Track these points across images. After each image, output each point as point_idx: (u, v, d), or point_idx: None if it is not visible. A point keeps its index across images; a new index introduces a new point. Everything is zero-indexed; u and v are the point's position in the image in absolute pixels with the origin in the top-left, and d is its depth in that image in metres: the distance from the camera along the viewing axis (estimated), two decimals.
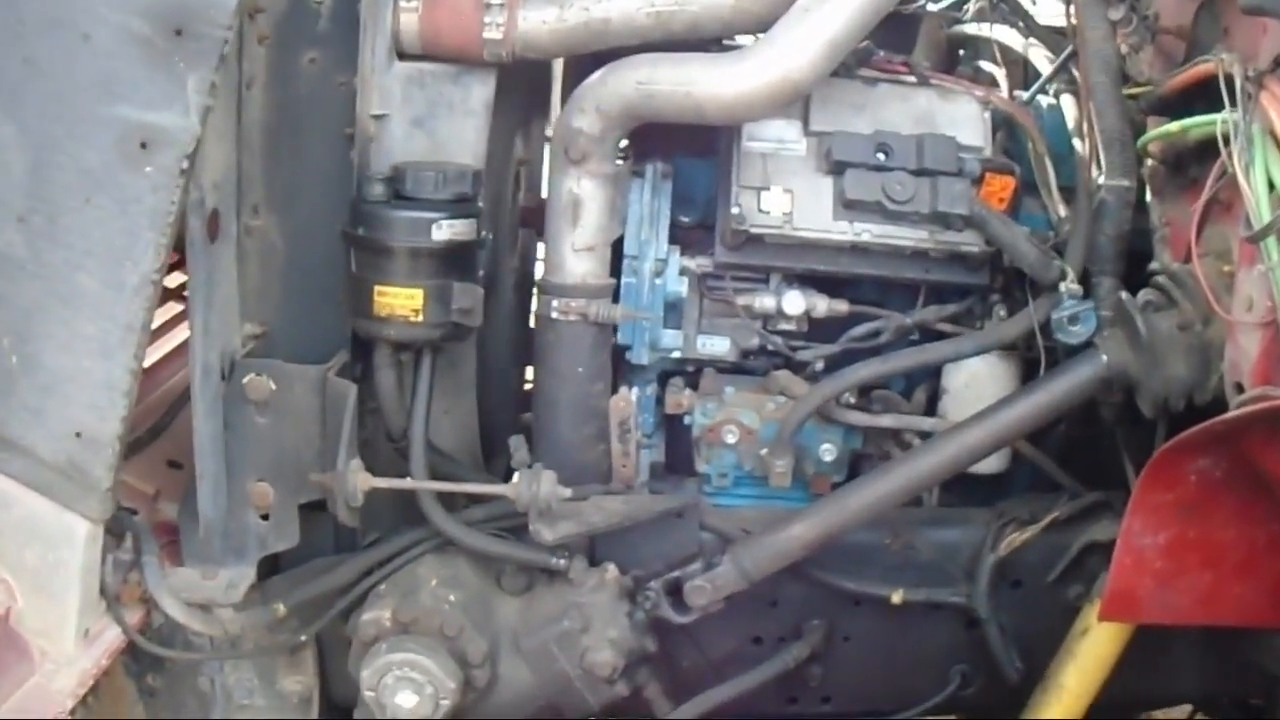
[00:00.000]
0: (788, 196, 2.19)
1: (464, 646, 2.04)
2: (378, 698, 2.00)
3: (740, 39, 2.21)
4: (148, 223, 1.78)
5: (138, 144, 1.76)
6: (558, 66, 2.51)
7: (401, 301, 1.99)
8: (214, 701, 2.20)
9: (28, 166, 1.78)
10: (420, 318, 2.00)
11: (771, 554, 2.08)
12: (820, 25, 1.99)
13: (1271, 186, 1.71)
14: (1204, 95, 1.90)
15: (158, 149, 1.76)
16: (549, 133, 2.55)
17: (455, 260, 2.02)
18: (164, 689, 2.17)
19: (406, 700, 1.99)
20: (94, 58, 1.75)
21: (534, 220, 2.45)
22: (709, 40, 2.15)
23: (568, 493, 2.05)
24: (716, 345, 2.30)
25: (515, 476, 2.07)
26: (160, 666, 2.16)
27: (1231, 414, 1.75)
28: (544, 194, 2.48)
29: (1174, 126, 1.92)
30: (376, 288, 1.99)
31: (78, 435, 1.84)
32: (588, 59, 2.16)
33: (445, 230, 1.99)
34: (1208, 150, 1.89)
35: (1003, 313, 2.23)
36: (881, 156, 2.16)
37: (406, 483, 2.06)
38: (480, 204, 2.06)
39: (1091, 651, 2.08)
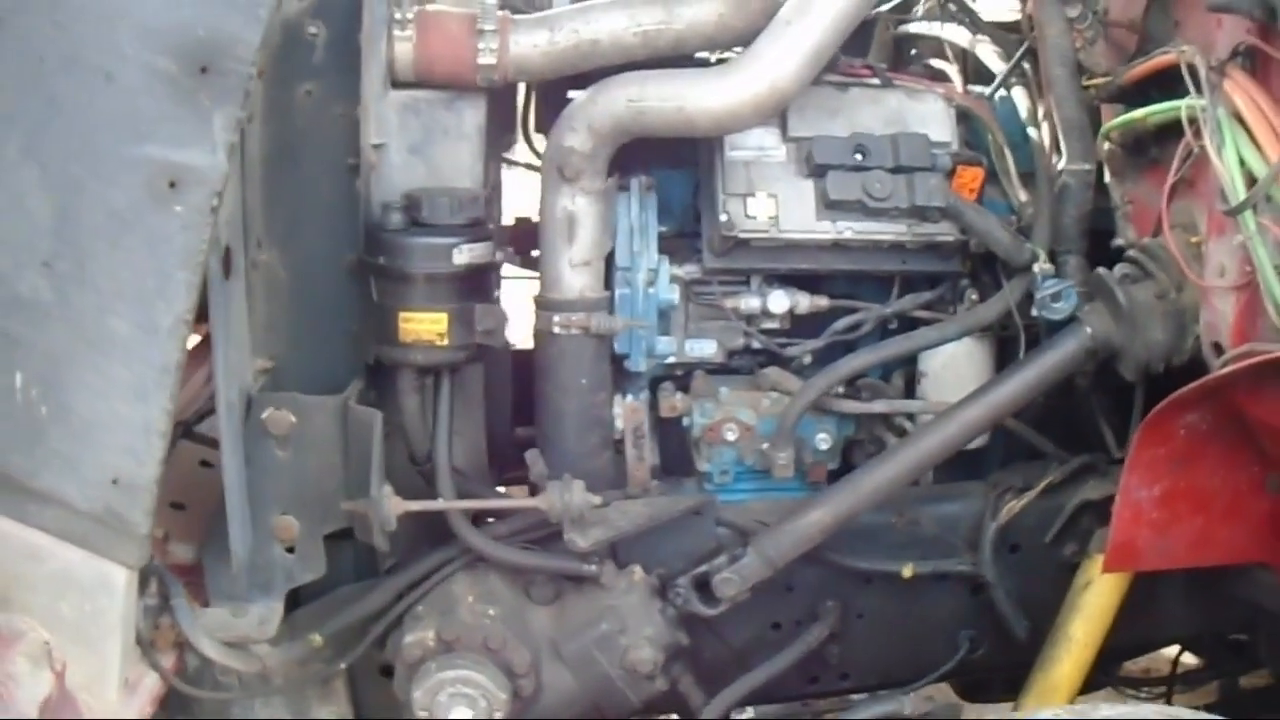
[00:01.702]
0: (772, 201, 2.28)
1: (509, 658, 2.08)
2: (432, 716, 2.02)
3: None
4: (179, 262, 1.77)
5: (166, 183, 1.75)
6: (521, 88, 2.56)
7: (426, 326, 2.03)
8: None
9: (53, 210, 1.75)
10: (446, 341, 2.04)
11: (793, 541, 2.17)
12: (802, 36, 2.11)
13: (1241, 163, 1.87)
14: (1159, 83, 2.08)
15: (187, 188, 1.75)
16: (506, 155, 2.61)
17: (475, 282, 2.06)
18: None
19: (462, 715, 2.01)
20: (118, 97, 1.73)
21: (512, 242, 2.49)
22: (688, 56, 2.24)
23: (597, 500, 2.11)
24: (704, 348, 2.37)
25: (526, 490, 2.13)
26: (190, 708, 2.12)
27: (1224, 370, 1.92)
28: (505, 218, 2.53)
29: (1139, 113, 2.08)
30: (401, 314, 2.03)
31: (114, 482, 1.82)
32: (564, 81, 2.23)
33: (465, 254, 2.04)
34: (1168, 133, 2.06)
35: (974, 296, 2.37)
36: (859, 157, 2.27)
37: (439, 504, 2.09)
38: (492, 226, 2.10)
39: (1095, 603, 2.21)
